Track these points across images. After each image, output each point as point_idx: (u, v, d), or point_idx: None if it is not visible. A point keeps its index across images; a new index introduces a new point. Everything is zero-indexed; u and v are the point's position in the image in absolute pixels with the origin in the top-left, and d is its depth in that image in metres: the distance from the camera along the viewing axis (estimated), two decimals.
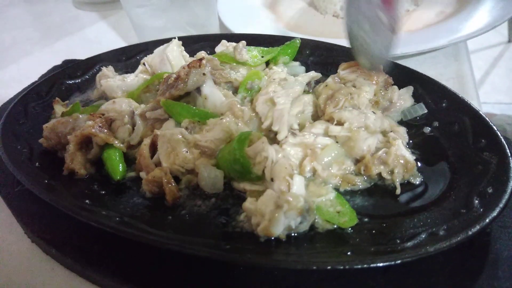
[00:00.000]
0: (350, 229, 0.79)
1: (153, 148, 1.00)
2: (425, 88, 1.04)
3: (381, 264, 0.66)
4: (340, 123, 0.89)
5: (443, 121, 0.98)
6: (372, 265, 0.66)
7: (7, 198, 1.03)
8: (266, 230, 0.73)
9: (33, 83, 1.36)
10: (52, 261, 0.94)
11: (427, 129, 0.98)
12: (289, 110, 0.93)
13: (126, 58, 1.40)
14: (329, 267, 0.66)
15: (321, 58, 1.22)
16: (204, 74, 1.04)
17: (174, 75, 1.05)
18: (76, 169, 0.97)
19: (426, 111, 1.01)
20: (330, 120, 0.92)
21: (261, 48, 1.25)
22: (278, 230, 0.74)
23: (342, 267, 0.66)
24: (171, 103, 1.02)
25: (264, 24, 1.66)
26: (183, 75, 1.03)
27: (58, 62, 1.54)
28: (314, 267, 0.67)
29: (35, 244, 0.98)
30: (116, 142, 1.01)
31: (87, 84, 1.35)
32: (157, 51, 1.27)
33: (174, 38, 1.28)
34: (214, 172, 0.91)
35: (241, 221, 0.82)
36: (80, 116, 1.06)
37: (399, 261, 0.66)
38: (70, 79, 1.34)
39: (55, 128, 1.03)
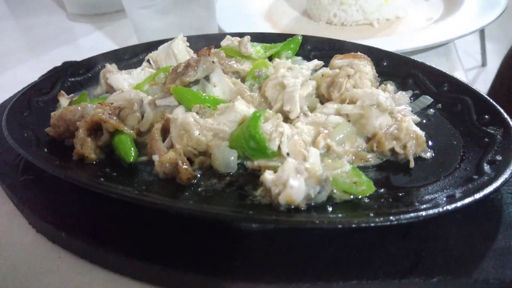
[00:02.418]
0: (367, 198, 0.80)
1: (164, 133, 1.00)
2: (426, 74, 1.09)
3: (404, 220, 0.67)
4: (352, 102, 0.91)
5: (446, 103, 1.02)
6: (395, 222, 0.67)
7: (11, 188, 1.01)
8: (288, 197, 0.74)
9: (33, 82, 1.36)
10: (59, 249, 0.92)
11: (431, 111, 1.02)
12: (299, 91, 0.95)
13: (129, 57, 1.42)
14: (354, 225, 0.67)
15: (322, 52, 1.26)
16: (213, 62, 1.07)
17: (183, 64, 1.07)
18: (86, 154, 0.97)
19: (432, 100, 1.05)
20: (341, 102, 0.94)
21: (264, 44, 1.29)
22: (300, 197, 0.75)
23: (367, 224, 0.67)
24: (181, 90, 1.03)
25: (261, 31, 1.70)
26: (193, 63, 1.05)
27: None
28: (340, 225, 0.68)
29: (40, 234, 0.96)
30: (126, 128, 1.01)
31: (89, 82, 1.35)
32: (162, 47, 1.29)
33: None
34: (228, 152, 0.92)
35: (258, 195, 0.83)
36: (89, 105, 1.06)
37: (421, 217, 0.67)
38: (73, 77, 1.35)
39: (63, 116, 1.02)
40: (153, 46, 1.39)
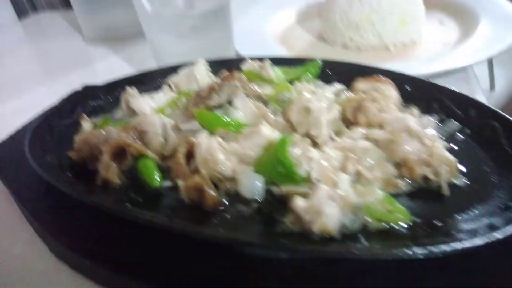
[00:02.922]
0: (403, 227, 0.78)
1: (188, 158, 0.99)
2: (451, 98, 1.08)
3: (450, 252, 0.64)
4: (380, 127, 0.90)
5: (475, 128, 1.00)
6: (439, 254, 0.64)
7: (32, 213, 0.99)
8: (322, 226, 0.72)
9: (53, 105, 1.36)
10: (81, 278, 0.90)
11: (459, 136, 1.01)
12: (325, 115, 0.94)
13: (149, 81, 1.42)
14: (402, 255, 0.65)
15: (342, 76, 1.26)
16: (236, 86, 1.06)
17: (207, 88, 1.07)
18: (111, 179, 0.95)
19: (460, 126, 1.03)
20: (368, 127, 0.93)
21: (284, 68, 1.29)
22: (334, 225, 0.73)
23: (412, 257, 0.65)
24: (205, 114, 1.03)
25: (276, 54, 1.72)
26: (217, 87, 1.05)
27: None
28: (385, 257, 0.65)
29: (62, 261, 0.94)
30: (150, 152, 1.00)
31: (110, 106, 1.35)
32: (183, 72, 1.30)
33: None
34: (254, 177, 0.90)
35: (288, 223, 0.81)
36: (113, 129, 1.06)
37: (467, 248, 0.65)
38: (93, 100, 1.35)
39: (87, 140, 1.02)
40: (172, 70, 1.39)
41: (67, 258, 0.92)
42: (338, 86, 1.12)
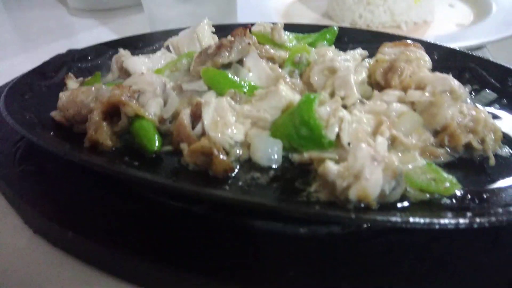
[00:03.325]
0: (447, 199, 0.66)
1: (192, 121, 0.85)
2: (485, 68, 0.98)
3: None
4: (419, 88, 0.79)
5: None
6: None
7: (6, 179, 0.84)
8: (362, 191, 0.60)
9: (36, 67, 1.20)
10: (61, 254, 0.75)
11: (496, 106, 0.91)
12: (353, 76, 0.82)
13: (144, 45, 1.28)
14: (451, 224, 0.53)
15: (362, 45, 1.14)
16: (249, 44, 0.94)
17: (215, 45, 0.94)
18: (101, 140, 0.81)
19: (495, 96, 0.93)
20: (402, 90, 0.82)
21: (296, 34, 1.17)
22: (376, 191, 0.61)
23: (471, 226, 0.53)
24: (213, 73, 0.90)
25: None
26: (227, 43, 0.92)
27: None
28: (437, 226, 0.54)
29: (38, 235, 0.79)
30: (147, 113, 0.86)
31: (98, 69, 1.19)
32: (184, 32, 1.16)
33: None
34: (271, 142, 0.78)
35: (315, 191, 0.69)
36: (104, 86, 0.91)
37: None
38: (80, 63, 1.20)
39: (74, 97, 0.87)
40: (171, 34, 1.25)
41: (45, 231, 0.77)
42: (361, 51, 1.00)
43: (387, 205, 0.65)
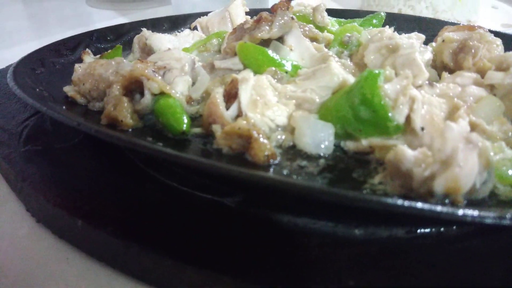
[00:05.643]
0: None
1: (226, 101, 0.73)
2: None
3: None
4: (501, 69, 0.66)
5: None
6: None
7: (9, 160, 0.73)
8: (453, 181, 0.47)
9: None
10: (66, 246, 0.63)
11: None
12: (418, 55, 0.70)
13: (168, 27, 1.17)
14: None
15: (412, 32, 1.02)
16: (292, 19, 0.82)
17: (254, 19, 0.82)
18: (120, 117, 0.69)
19: None
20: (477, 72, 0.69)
21: (339, 19, 1.05)
22: (470, 181, 0.48)
23: None
24: (252, 48, 0.78)
25: None
26: (268, 16, 0.80)
27: None
28: None
29: (42, 225, 0.67)
30: (174, 91, 0.75)
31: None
32: (215, 13, 1.05)
33: None
34: (321, 126, 0.65)
35: (379, 183, 0.56)
36: (125, 60, 0.80)
37: None
38: (99, 43, 1.09)
39: (92, 69, 0.76)
40: (199, 16, 1.14)
41: (50, 220, 0.65)
42: (418, 34, 0.88)
43: (474, 203, 0.52)
